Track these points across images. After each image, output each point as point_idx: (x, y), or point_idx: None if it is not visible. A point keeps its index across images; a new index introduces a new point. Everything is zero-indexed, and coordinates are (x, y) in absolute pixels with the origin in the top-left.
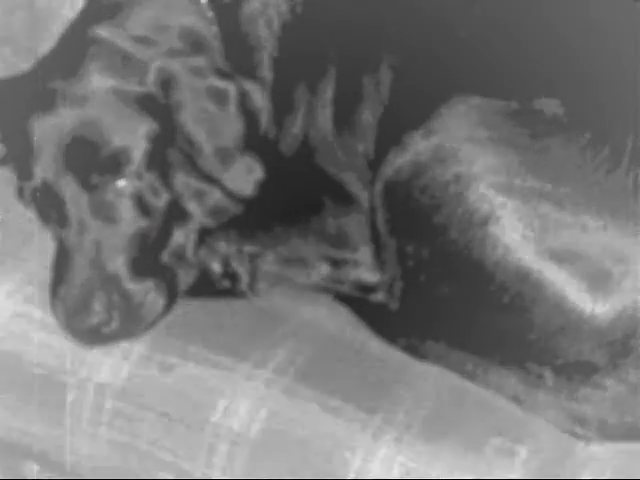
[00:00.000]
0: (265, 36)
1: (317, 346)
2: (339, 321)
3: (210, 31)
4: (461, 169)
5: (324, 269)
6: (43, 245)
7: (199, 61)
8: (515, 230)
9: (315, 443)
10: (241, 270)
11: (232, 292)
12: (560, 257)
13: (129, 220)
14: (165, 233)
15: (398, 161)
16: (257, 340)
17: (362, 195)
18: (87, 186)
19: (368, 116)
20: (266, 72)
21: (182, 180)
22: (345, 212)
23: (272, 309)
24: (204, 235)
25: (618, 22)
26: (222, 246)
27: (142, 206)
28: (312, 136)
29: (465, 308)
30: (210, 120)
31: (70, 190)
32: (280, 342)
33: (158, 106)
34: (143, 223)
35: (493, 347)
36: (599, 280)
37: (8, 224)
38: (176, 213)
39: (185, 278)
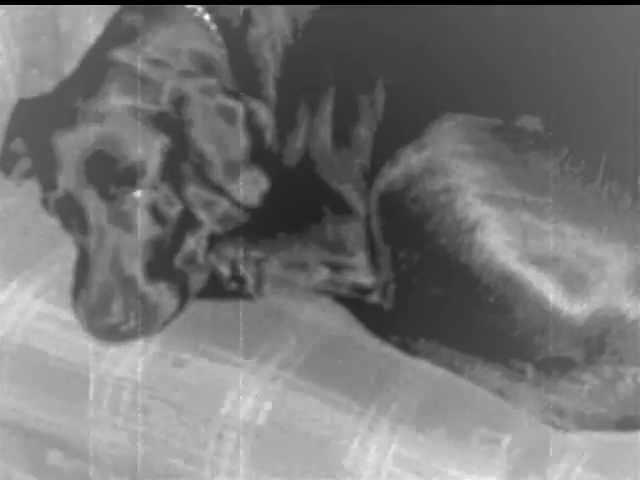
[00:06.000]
0: (270, 58)
1: (317, 343)
2: (338, 320)
3: (219, 54)
4: (449, 181)
5: (324, 273)
6: (66, 251)
7: (209, 82)
8: (499, 237)
9: (315, 432)
10: (248, 273)
11: (239, 294)
12: (540, 261)
13: (145, 228)
14: (178, 239)
15: (392, 173)
16: (262, 338)
17: (359, 205)
18: (106, 196)
19: (364, 132)
20: (270, 91)
21: (193, 191)
22: (343, 220)
23: (276, 309)
24: (214, 241)
25: (593, 50)
26: (230, 251)
27: (157, 215)
28: (313, 150)
29: (453, 308)
30: (219, 136)
31: (90, 200)
32: (283, 340)
33: (171, 123)
34: (158, 230)
35: (479, 344)
36: (576, 283)
37: (34, 231)
38: (188, 221)
39: (196, 281)
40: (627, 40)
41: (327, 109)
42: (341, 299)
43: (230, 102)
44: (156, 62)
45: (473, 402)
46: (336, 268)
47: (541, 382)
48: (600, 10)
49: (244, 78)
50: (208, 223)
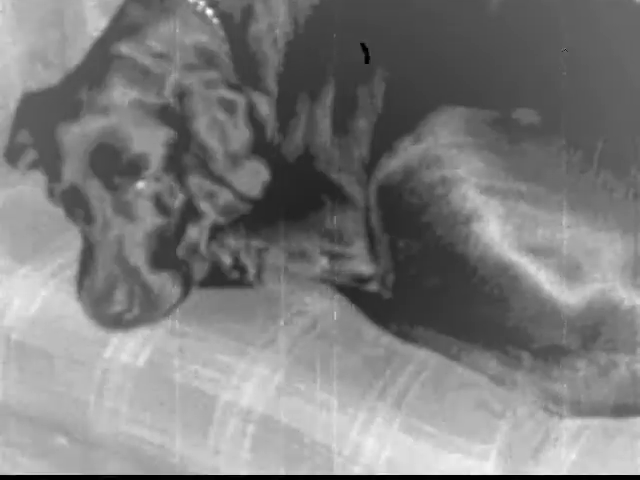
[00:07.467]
0: (271, 53)
1: (317, 330)
2: (337, 309)
3: (221, 48)
4: (446, 172)
5: (324, 262)
6: (71, 240)
7: (211, 75)
8: (495, 227)
9: (316, 415)
10: (249, 263)
11: (241, 282)
12: (536, 251)
13: (148, 218)
14: (181, 230)
15: (390, 165)
16: (264, 325)
17: (358, 195)
18: (110, 187)
19: (363, 124)
20: (272, 85)
21: (196, 182)
22: (342, 210)
23: (277, 298)
24: (216, 231)
25: (590, 42)
26: (232, 241)
27: (160, 205)
28: (313, 142)
29: (450, 297)
30: (221, 128)
31: (95, 191)
32: (284, 327)
33: (174, 115)
34: (161, 221)
35: (476, 332)
36: (571, 272)
37: (40, 222)
38: (190, 212)
39: (199, 270)
40: (623, 31)
41: (327, 101)
42: (341, 288)
43: (231, 95)
44: (159, 55)
45: (470, 389)
46: (335, 257)
47: (537, 369)
48: (597, 2)
49: (245, 71)
50: (210, 214)
